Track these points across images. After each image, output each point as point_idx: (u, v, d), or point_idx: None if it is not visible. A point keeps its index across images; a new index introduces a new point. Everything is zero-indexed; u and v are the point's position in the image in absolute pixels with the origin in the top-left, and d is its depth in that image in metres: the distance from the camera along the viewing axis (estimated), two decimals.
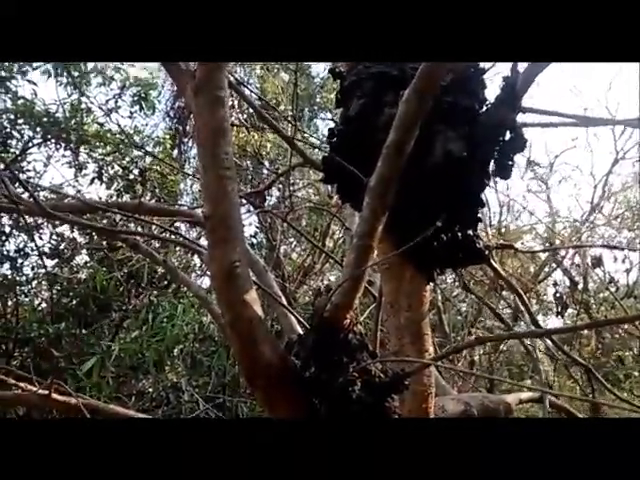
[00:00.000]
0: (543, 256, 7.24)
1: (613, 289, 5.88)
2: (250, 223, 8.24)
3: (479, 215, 2.24)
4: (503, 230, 5.99)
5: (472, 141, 2.07)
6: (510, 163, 2.13)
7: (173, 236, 3.36)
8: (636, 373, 6.29)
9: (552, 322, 8.06)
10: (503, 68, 2.23)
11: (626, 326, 7.11)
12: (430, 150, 2.04)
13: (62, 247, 7.11)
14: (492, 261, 2.50)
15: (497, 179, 2.32)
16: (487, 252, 2.31)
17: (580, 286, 6.53)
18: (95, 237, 6.53)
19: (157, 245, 6.05)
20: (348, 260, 1.81)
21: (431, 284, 2.30)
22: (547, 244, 6.15)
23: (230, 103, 8.03)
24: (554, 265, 7.81)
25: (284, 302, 2.67)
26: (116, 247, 6.20)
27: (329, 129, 2.26)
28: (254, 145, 7.48)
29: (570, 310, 8.10)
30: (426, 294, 2.23)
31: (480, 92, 2.16)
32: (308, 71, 9.01)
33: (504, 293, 6.75)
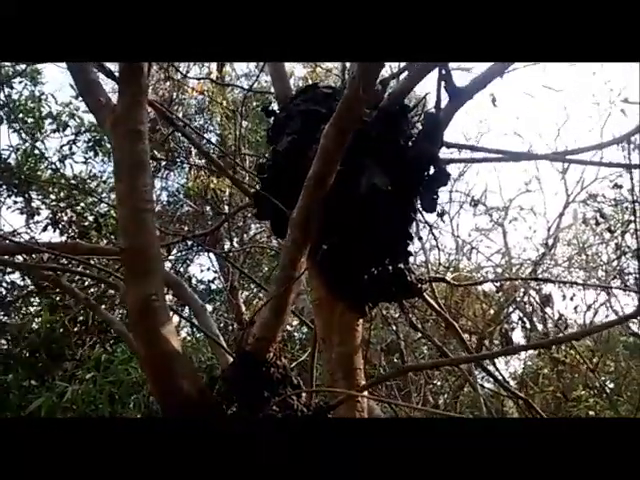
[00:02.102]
0: (499, 298, 7.33)
1: (563, 327, 5.96)
2: (208, 268, 8.18)
3: (409, 249, 2.26)
4: (451, 269, 6.07)
5: (397, 175, 2.11)
6: (435, 197, 2.18)
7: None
8: (592, 413, 6.32)
9: (513, 362, 8.09)
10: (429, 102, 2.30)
11: (584, 366, 7.18)
12: (356, 184, 2.08)
13: (12, 296, 6.91)
14: (428, 297, 2.51)
15: (444, 220, 2.36)
16: (420, 285, 2.32)
17: (538, 325, 6.61)
18: (45, 285, 6.37)
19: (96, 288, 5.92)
20: (270, 292, 1.80)
21: (364, 318, 2.29)
22: (499, 285, 6.22)
23: (187, 148, 8.10)
24: (512, 307, 7.90)
25: (222, 343, 2.63)
26: (59, 292, 6.04)
27: (258, 164, 2.30)
28: (213, 190, 7.50)
29: (531, 352, 8.16)
30: (358, 328, 2.22)
31: (406, 128, 2.22)
32: (267, 120, 9.16)
33: (465, 336, 6.77)
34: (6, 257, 2.54)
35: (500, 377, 3.14)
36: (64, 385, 6.14)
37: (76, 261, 2.36)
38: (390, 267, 2.20)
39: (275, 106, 2.54)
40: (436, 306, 2.61)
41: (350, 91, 1.76)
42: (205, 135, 8.95)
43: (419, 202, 2.22)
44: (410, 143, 2.20)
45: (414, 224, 2.34)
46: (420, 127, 2.19)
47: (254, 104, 7.74)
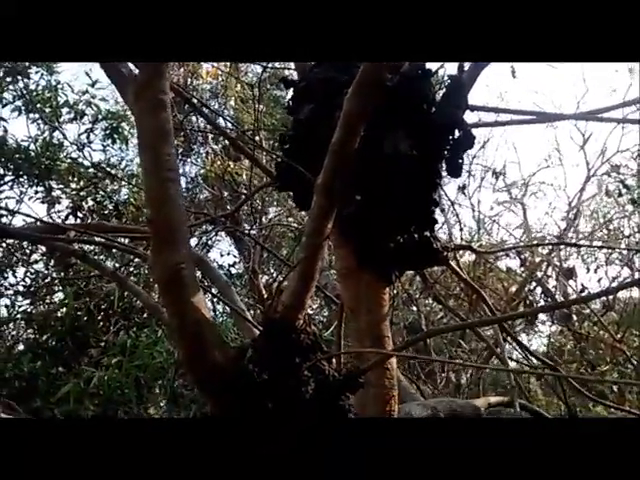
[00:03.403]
0: (522, 274, 7.26)
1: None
2: (229, 252, 8.21)
3: (434, 216, 2.23)
4: (474, 243, 6.02)
5: (421, 140, 2.08)
6: (460, 161, 2.15)
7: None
8: (615, 388, 6.26)
9: (535, 341, 8.03)
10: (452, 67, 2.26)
11: (610, 341, 7.12)
12: (379, 149, 2.05)
13: (37, 285, 7.01)
14: (454, 265, 2.49)
15: (466, 193, 2.33)
16: (446, 253, 2.29)
17: (559, 298, 6.54)
18: (70, 271, 6.45)
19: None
20: (298, 260, 1.79)
21: (390, 286, 2.27)
22: (519, 257, 6.16)
23: (204, 135, 8.09)
24: (534, 284, 7.82)
25: (248, 316, 2.63)
26: (84, 277, 6.10)
27: (280, 135, 2.27)
28: (230, 174, 7.50)
29: (554, 328, 8.10)
30: (385, 297, 2.20)
31: (429, 92, 2.18)
32: (282, 102, 9.12)
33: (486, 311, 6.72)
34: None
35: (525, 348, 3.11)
36: (91, 371, 6.24)
37: (102, 238, 2.37)
38: (416, 235, 2.17)
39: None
40: (462, 274, 2.58)
41: None
42: (220, 120, 8.94)
43: (444, 167, 2.19)
44: (434, 107, 2.16)
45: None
46: (444, 90, 2.14)
47: (268, 86, 7.70)
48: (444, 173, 2.20)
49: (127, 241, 2.81)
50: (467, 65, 2.12)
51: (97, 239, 2.25)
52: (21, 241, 5.76)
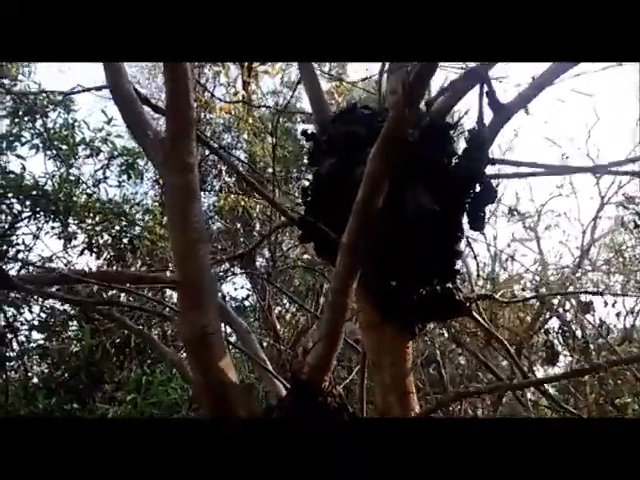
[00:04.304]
0: (536, 305, 7.19)
1: (605, 333, 5.81)
2: (242, 286, 8.21)
3: (457, 267, 2.23)
4: (492, 281, 5.98)
5: (443, 194, 2.09)
6: (482, 214, 2.15)
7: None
8: None
9: (550, 371, 7.91)
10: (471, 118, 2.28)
11: (628, 372, 7.01)
12: (402, 205, 2.06)
13: (52, 320, 7.03)
14: (474, 313, 2.47)
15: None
16: (468, 304, 2.29)
17: (578, 332, 6.46)
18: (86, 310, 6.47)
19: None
20: (322, 320, 1.79)
21: (414, 339, 2.26)
22: (537, 292, 6.11)
23: (218, 168, 8.18)
24: (549, 314, 7.74)
25: (269, 367, 2.62)
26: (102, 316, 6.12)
27: (302, 188, 2.29)
28: (244, 207, 7.55)
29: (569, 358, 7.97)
30: (409, 350, 2.19)
31: (448, 146, 2.19)
32: (294, 133, 9.21)
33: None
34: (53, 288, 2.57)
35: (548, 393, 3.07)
36: (105, 407, 6.21)
37: (124, 291, 2.37)
38: (438, 287, 2.17)
39: (303, 125, 2.53)
40: (484, 323, 2.57)
41: (395, 113, 1.75)
42: (233, 152, 9.04)
43: (466, 220, 2.19)
44: (454, 160, 2.17)
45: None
46: (464, 144, 2.16)
47: (281, 120, 7.79)
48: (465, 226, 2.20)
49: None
50: (488, 120, 2.14)
51: (120, 297, 2.24)
52: (44, 298, 5.74)
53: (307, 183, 2.34)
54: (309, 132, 2.42)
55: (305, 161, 9.25)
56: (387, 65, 2.77)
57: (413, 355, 2.23)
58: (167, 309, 2.46)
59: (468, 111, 2.26)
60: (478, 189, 2.14)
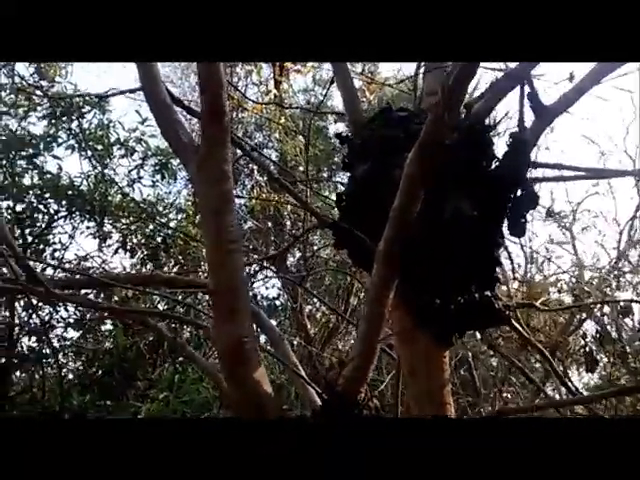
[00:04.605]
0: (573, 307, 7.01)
1: None
2: (273, 285, 8.21)
3: (496, 275, 2.16)
4: (527, 284, 5.84)
5: (482, 199, 2.03)
6: (523, 220, 2.08)
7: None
8: None
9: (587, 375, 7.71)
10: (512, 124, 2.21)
11: None
12: (440, 210, 2.00)
13: (87, 317, 7.15)
14: (513, 321, 2.40)
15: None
16: (507, 312, 2.22)
17: (614, 335, 6.28)
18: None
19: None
20: (360, 331, 1.75)
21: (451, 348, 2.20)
22: (573, 295, 5.95)
23: (250, 167, 8.20)
24: (584, 315, 7.53)
25: (302, 373, 2.59)
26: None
27: (337, 194, 2.26)
28: (274, 207, 7.56)
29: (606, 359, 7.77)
30: (445, 360, 2.13)
31: (488, 149, 2.13)
32: (325, 132, 9.17)
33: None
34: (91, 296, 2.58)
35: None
36: (138, 405, 6.28)
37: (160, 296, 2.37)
38: (477, 295, 2.11)
39: (335, 125, 2.49)
40: (523, 332, 2.49)
41: (434, 116, 1.70)
42: (265, 151, 9.06)
43: (506, 226, 2.12)
44: (494, 164, 2.11)
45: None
46: (506, 147, 2.09)
47: (313, 118, 7.75)
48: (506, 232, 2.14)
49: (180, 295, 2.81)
50: (529, 122, 2.06)
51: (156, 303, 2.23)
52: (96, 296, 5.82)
53: (342, 188, 2.30)
54: (343, 135, 2.38)
55: (337, 159, 9.21)
56: (423, 64, 2.71)
57: (451, 367, 2.17)
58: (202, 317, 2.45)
59: (508, 113, 2.19)
60: (519, 194, 2.07)
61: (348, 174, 2.34)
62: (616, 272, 7.04)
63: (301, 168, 8.29)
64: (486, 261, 2.11)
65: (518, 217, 2.08)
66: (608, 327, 7.24)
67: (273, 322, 8.28)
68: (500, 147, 2.18)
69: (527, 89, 2.03)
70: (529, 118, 2.09)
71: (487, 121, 2.16)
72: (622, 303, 5.44)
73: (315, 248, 7.69)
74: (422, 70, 2.65)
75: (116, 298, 5.94)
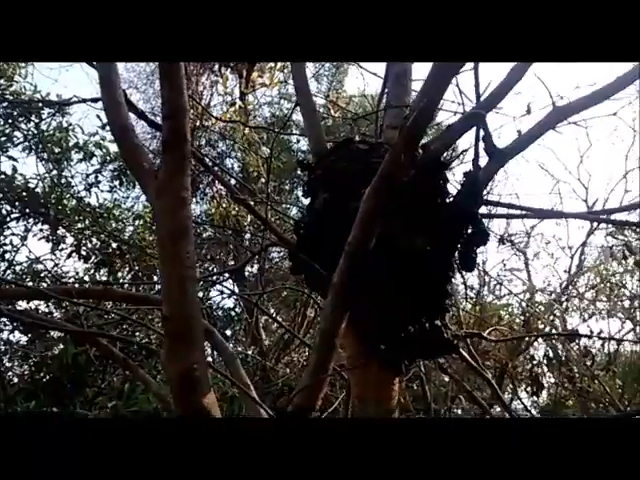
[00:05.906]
0: (521, 328, 7.23)
1: (589, 362, 5.87)
2: (229, 296, 8.18)
3: (446, 305, 2.24)
4: (480, 306, 6.01)
5: (435, 234, 2.10)
6: (473, 256, 2.16)
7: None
8: None
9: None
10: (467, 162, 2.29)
11: (607, 398, 7.08)
12: (394, 243, 2.06)
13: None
14: (462, 350, 2.48)
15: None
16: (455, 341, 2.29)
17: (563, 357, 6.51)
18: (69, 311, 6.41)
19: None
20: (310, 362, 1.79)
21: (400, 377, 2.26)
22: (524, 318, 6.15)
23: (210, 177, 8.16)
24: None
25: (253, 394, 2.60)
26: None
27: (295, 222, 2.29)
28: (235, 217, 7.54)
29: (552, 379, 8.01)
30: (395, 387, 2.19)
31: (442, 186, 2.20)
32: (289, 144, 9.22)
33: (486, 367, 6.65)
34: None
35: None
36: (86, 413, 6.14)
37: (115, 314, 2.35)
38: (427, 324, 2.17)
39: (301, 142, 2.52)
40: (472, 362, 2.58)
41: (391, 157, 1.76)
42: (227, 160, 9.03)
43: (457, 260, 2.20)
44: (448, 201, 2.18)
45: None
46: (459, 185, 2.17)
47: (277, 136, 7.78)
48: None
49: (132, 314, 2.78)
50: (483, 162, 2.15)
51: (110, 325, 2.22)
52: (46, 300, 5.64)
53: (303, 202, 2.34)
54: (305, 163, 2.42)
55: (299, 172, 9.26)
56: (384, 98, 2.78)
57: (400, 394, 2.22)
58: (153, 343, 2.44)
59: (466, 151, 2.27)
60: (470, 231, 2.15)
61: (308, 201, 2.38)
62: (565, 297, 7.31)
63: (263, 180, 8.29)
64: (437, 294, 2.18)
65: (469, 252, 2.16)
66: (558, 347, 7.50)
67: (228, 332, 8.23)
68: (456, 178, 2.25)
69: (482, 132, 2.12)
70: (484, 158, 2.18)
71: (442, 158, 2.24)
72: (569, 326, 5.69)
73: (274, 262, 7.73)
74: (382, 106, 2.72)
75: (69, 309, 5.80)
